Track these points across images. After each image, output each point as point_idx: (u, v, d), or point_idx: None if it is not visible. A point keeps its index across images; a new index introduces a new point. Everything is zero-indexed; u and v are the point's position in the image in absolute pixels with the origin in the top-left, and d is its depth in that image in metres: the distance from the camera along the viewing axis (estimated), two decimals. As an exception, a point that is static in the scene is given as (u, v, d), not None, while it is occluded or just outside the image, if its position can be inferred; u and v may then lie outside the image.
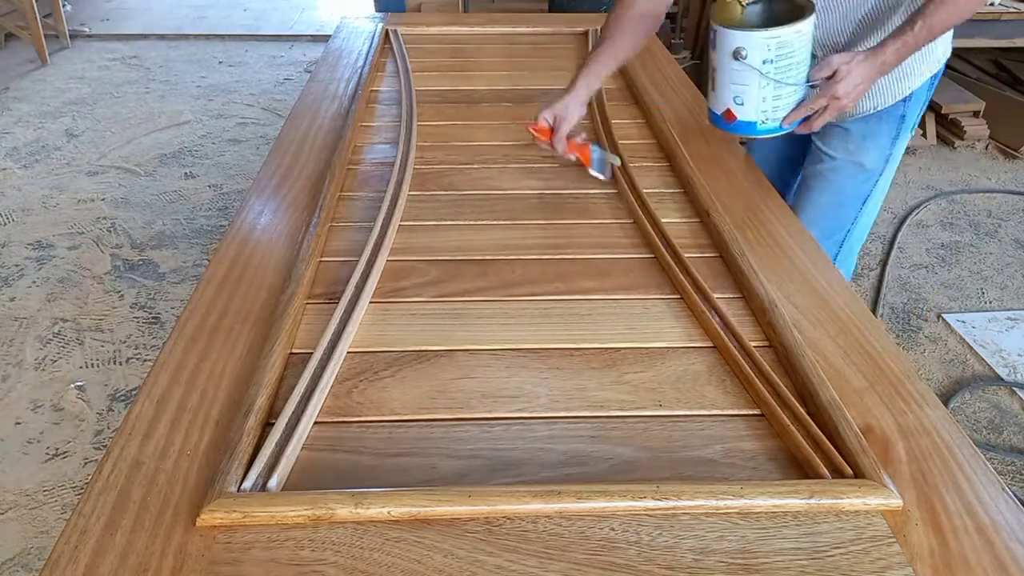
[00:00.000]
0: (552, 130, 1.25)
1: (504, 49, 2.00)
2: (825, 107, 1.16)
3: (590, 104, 1.60)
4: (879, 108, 1.34)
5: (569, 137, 1.25)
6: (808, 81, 1.17)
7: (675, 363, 0.87)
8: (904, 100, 1.34)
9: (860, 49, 1.15)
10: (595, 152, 1.28)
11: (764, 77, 1.14)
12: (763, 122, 1.20)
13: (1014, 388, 1.98)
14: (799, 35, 1.12)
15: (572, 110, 1.25)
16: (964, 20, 1.16)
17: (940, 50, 1.33)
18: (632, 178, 1.25)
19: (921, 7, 1.11)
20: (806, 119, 1.20)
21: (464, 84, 1.74)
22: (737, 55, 1.13)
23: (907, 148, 3.32)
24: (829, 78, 1.13)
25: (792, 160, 1.57)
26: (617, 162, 1.29)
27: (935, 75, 1.36)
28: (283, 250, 1.06)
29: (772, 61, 1.12)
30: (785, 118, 1.19)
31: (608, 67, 1.31)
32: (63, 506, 1.63)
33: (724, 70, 1.18)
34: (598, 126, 1.48)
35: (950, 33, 1.29)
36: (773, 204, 1.20)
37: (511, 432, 0.77)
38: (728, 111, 1.22)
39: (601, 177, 1.28)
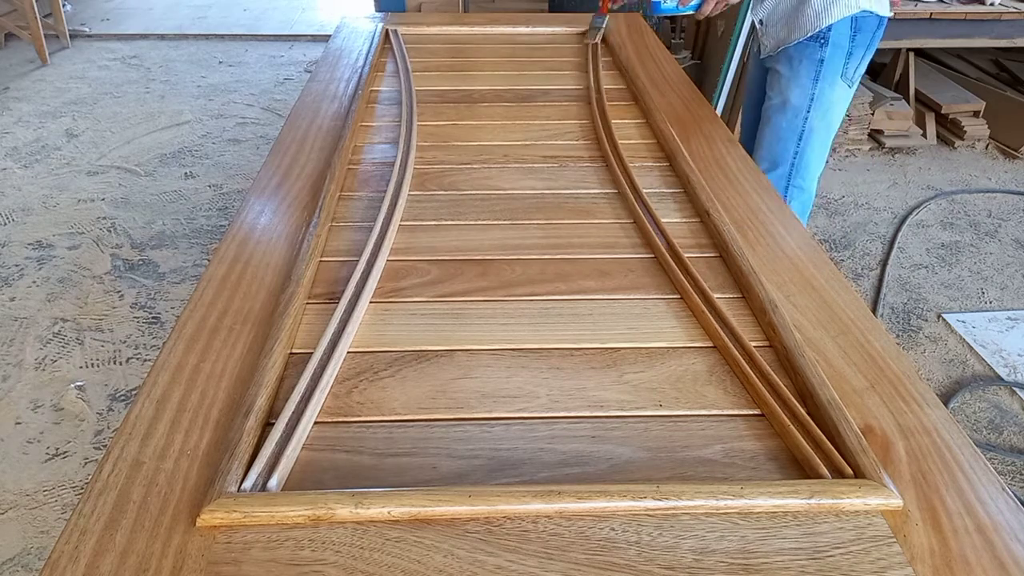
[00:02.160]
0: None
1: (504, 49, 2.00)
2: None
3: (590, 104, 1.60)
4: (795, 40, 1.60)
5: None
6: None
7: (675, 363, 0.87)
8: (821, 41, 1.58)
9: None
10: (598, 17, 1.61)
11: None
12: (664, 1, 1.47)
13: (1014, 388, 1.98)
14: None
15: None
16: None
17: None
18: (632, 178, 1.25)
19: None
20: (699, 6, 1.47)
21: (464, 84, 1.74)
22: None
23: (907, 148, 3.33)
24: None
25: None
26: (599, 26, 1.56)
27: (858, 21, 1.57)
28: (283, 250, 1.06)
29: None
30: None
31: None
32: (63, 506, 1.63)
33: None
34: (598, 126, 1.48)
35: None
36: (773, 204, 1.20)
37: (511, 432, 0.77)
38: None
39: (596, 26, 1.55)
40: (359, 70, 1.75)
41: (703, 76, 3.48)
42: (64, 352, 2.09)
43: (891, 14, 1.60)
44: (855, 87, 1.70)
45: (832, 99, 1.67)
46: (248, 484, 0.68)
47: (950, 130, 3.43)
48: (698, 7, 1.47)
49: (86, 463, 1.74)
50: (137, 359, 2.07)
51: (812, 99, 1.64)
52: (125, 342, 2.13)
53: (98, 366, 2.04)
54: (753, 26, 1.78)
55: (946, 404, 1.91)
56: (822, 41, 1.58)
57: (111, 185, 3.02)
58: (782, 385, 0.80)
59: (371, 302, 0.97)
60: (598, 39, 1.59)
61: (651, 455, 0.75)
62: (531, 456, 0.74)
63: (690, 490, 0.67)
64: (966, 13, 3.04)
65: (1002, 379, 2.01)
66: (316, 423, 0.77)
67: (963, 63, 3.71)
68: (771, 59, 1.76)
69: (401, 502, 0.65)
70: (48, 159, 3.23)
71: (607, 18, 1.59)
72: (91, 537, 0.63)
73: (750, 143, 1.98)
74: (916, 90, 3.48)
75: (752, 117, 1.98)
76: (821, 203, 2.95)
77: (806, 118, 1.66)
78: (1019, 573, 0.62)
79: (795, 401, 0.78)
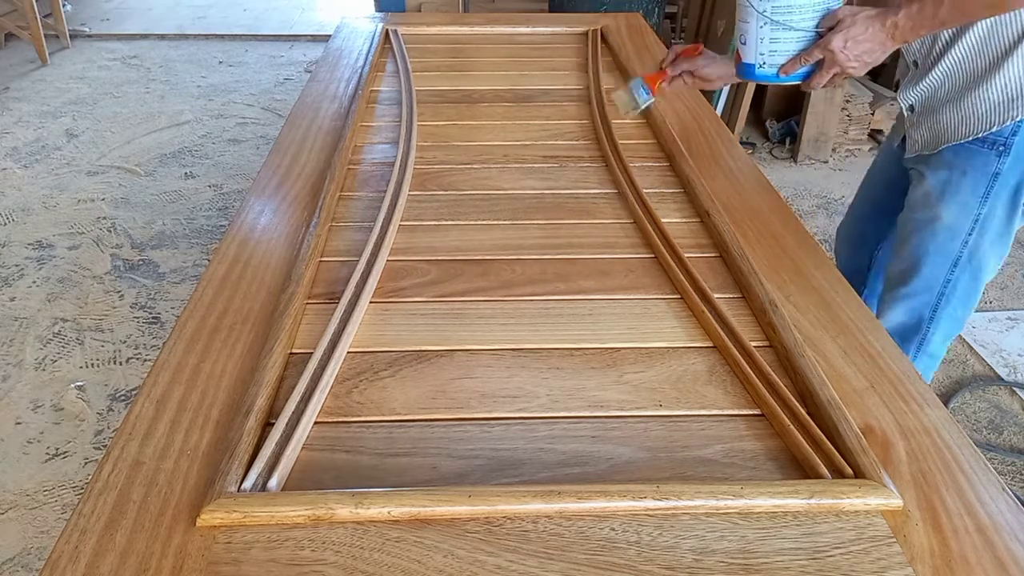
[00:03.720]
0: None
1: (504, 49, 2.00)
2: (821, 62, 1.07)
3: (590, 104, 1.60)
4: (951, 142, 1.19)
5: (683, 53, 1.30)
6: (816, 30, 1.08)
7: (675, 363, 0.87)
8: (1000, 149, 1.15)
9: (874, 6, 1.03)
10: (636, 81, 1.32)
11: (761, 16, 1.10)
12: (761, 66, 1.15)
13: (1014, 388, 1.98)
14: None
15: (708, 58, 1.29)
16: (1004, 10, 1.02)
17: None
18: (632, 178, 1.25)
19: None
20: (809, 76, 1.10)
21: (464, 84, 1.74)
22: None
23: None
24: (831, 28, 1.03)
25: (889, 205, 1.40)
26: (640, 103, 1.32)
27: None
28: (283, 250, 1.06)
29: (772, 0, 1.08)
30: (782, 67, 1.11)
31: None
32: (63, 506, 1.63)
33: (737, 5, 1.15)
34: (598, 126, 1.48)
35: None
36: (773, 204, 1.20)
37: (511, 432, 0.77)
38: (737, 52, 1.20)
39: (638, 99, 1.31)
40: (359, 70, 1.75)
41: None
42: (64, 352, 2.09)
43: None
44: None
45: (1003, 227, 1.21)
46: (248, 484, 0.68)
47: (950, 130, 3.43)
48: (806, 77, 1.12)
49: (86, 463, 1.74)
50: (137, 359, 2.07)
51: (977, 223, 1.20)
52: (125, 342, 2.13)
53: (98, 366, 2.04)
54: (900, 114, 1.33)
55: (946, 404, 1.91)
56: (1001, 148, 1.15)
57: (111, 185, 3.02)
58: (782, 385, 0.80)
59: (371, 302, 0.97)
60: (632, 114, 1.36)
61: (651, 455, 0.75)
62: (531, 456, 0.74)
63: (690, 490, 0.67)
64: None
65: (1002, 379, 2.01)
66: (316, 423, 0.77)
67: (963, 63, 3.70)
68: (918, 160, 1.28)
69: (401, 502, 0.65)
70: (48, 159, 3.23)
71: (652, 99, 1.32)
72: (91, 537, 0.63)
73: (853, 262, 1.54)
74: (916, 90, 3.47)
75: (860, 231, 1.53)
76: (821, 203, 2.95)
77: (966, 243, 1.22)
78: (1019, 573, 0.61)
79: (795, 401, 0.78)
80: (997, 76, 1.13)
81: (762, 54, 1.14)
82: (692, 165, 1.29)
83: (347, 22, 2.14)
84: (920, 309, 1.31)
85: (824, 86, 1.11)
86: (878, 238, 1.50)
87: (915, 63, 1.25)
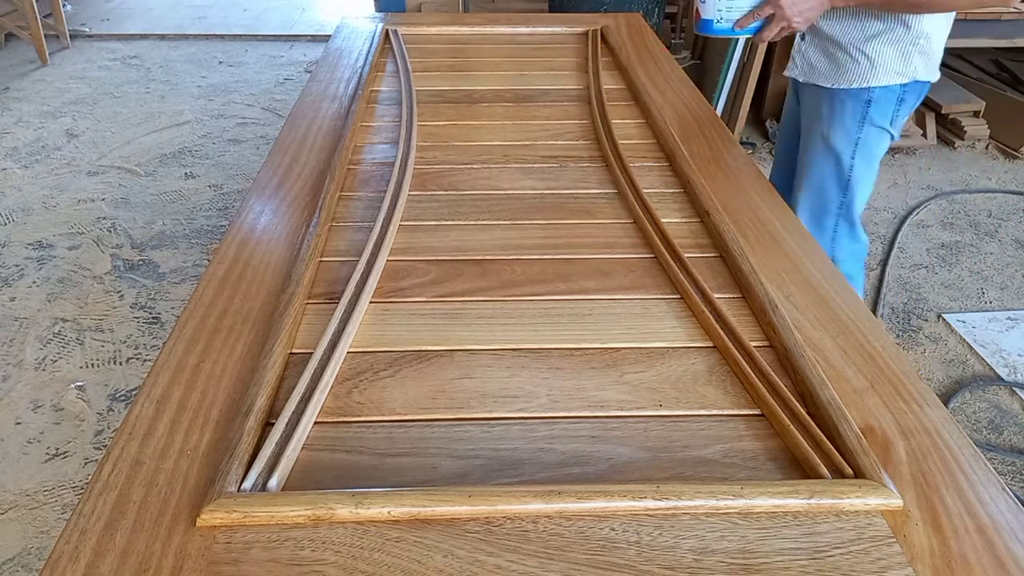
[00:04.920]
0: None
1: (504, 49, 2.00)
2: (772, 16, 1.31)
3: (590, 104, 1.60)
4: (840, 86, 1.49)
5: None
6: None
7: (675, 363, 0.87)
8: (868, 89, 1.47)
9: None
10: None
11: None
12: (718, 21, 1.34)
13: (1014, 388, 1.98)
14: None
15: None
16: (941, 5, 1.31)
17: (914, 65, 1.45)
18: (632, 178, 1.25)
19: None
20: (760, 30, 1.34)
21: (464, 84, 1.74)
22: None
23: (908, 148, 3.33)
24: None
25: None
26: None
27: (907, 87, 1.47)
28: (283, 250, 1.06)
29: None
30: (737, 22, 1.33)
31: None
32: (63, 506, 1.63)
33: None
34: (598, 126, 1.48)
35: (935, 55, 1.46)
36: (773, 204, 1.20)
37: (511, 432, 0.77)
38: (696, 9, 1.37)
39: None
40: (359, 70, 1.75)
41: (703, 76, 3.48)
42: (64, 352, 2.09)
43: (938, 77, 1.51)
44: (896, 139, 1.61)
45: (874, 149, 1.56)
46: (248, 484, 0.68)
47: (950, 130, 3.43)
48: (758, 31, 1.33)
49: (86, 463, 1.74)
50: (137, 359, 2.07)
51: (856, 144, 1.52)
52: (125, 342, 2.13)
53: (98, 366, 2.04)
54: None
55: (946, 404, 1.91)
56: (869, 88, 1.49)
57: (111, 185, 3.02)
58: (782, 385, 0.80)
59: (371, 302, 0.97)
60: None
61: (651, 455, 0.75)
62: (531, 456, 0.74)
63: (690, 490, 0.67)
64: (966, 13, 3.04)
65: (1002, 379, 2.01)
66: (316, 423, 0.77)
67: (963, 63, 3.71)
68: (809, 91, 1.61)
69: (401, 502, 0.65)
70: (48, 159, 3.24)
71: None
72: (91, 537, 0.63)
73: (785, 179, 1.80)
74: (916, 90, 3.47)
75: (787, 147, 1.83)
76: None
77: (852, 166, 1.54)
78: (1019, 573, 0.61)
79: (795, 401, 0.78)
80: (866, 45, 1.44)
81: (720, 10, 1.32)
82: (692, 165, 1.29)
83: (347, 22, 2.14)
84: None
85: (772, 39, 1.36)
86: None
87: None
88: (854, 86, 1.48)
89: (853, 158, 1.53)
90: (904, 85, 1.48)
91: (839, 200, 1.59)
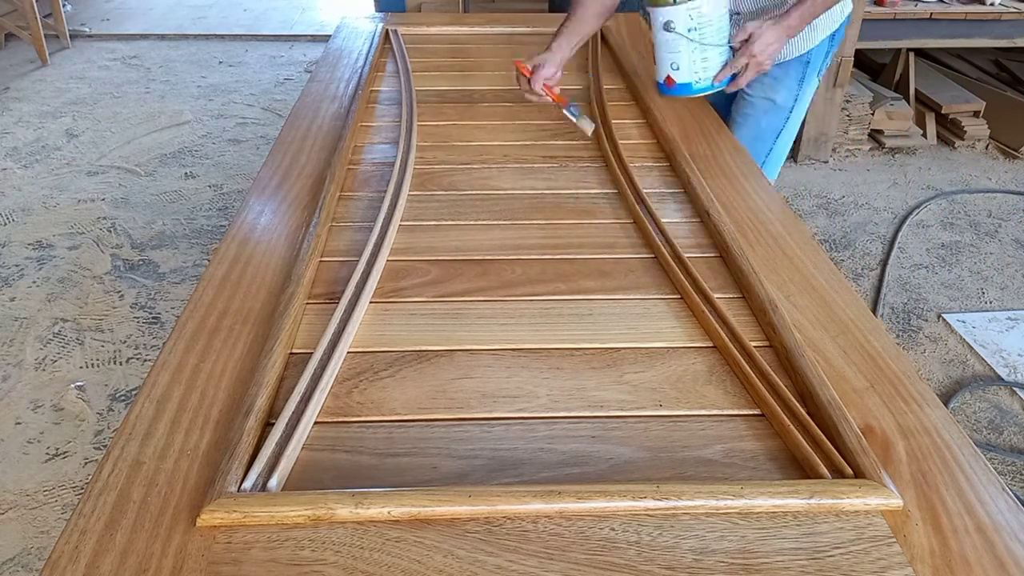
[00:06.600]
0: (532, 72, 1.46)
1: (504, 49, 2.00)
2: (746, 65, 1.41)
3: (590, 104, 1.60)
4: (787, 58, 1.58)
5: (547, 85, 1.45)
6: (729, 44, 1.42)
7: (675, 363, 0.87)
8: (807, 52, 1.58)
9: (770, 16, 1.40)
10: (572, 105, 1.45)
11: (691, 43, 1.39)
12: (697, 82, 1.45)
13: (1014, 388, 1.98)
14: (713, 4, 1.37)
15: (549, 65, 1.46)
16: None
17: (838, 11, 1.56)
18: (632, 178, 1.25)
19: None
20: (734, 77, 1.44)
21: (464, 84, 1.74)
22: (667, 27, 1.39)
23: (907, 148, 3.33)
24: (746, 41, 1.39)
25: (727, 107, 1.81)
26: (590, 128, 1.42)
27: (835, 32, 1.60)
28: (283, 250, 1.06)
29: (696, 28, 1.38)
30: (715, 76, 1.44)
31: (573, 42, 1.53)
32: (63, 506, 1.63)
33: (660, 43, 1.44)
34: (598, 126, 1.48)
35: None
36: (774, 204, 1.20)
37: (511, 432, 0.77)
38: (668, 77, 1.47)
39: (572, 118, 1.42)
40: (359, 70, 1.75)
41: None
42: (64, 352, 2.09)
43: (851, 5, 1.62)
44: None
45: (809, 96, 1.69)
46: (248, 484, 0.68)
47: (950, 130, 3.43)
48: (733, 79, 1.44)
49: (86, 463, 1.74)
50: (137, 359, 2.07)
51: (796, 98, 1.63)
52: (125, 342, 2.13)
53: (98, 366, 2.04)
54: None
55: (946, 404, 1.91)
56: (807, 59, 1.59)
57: (111, 185, 3.02)
58: (782, 385, 0.80)
59: (371, 302, 0.97)
60: (590, 128, 1.43)
61: (651, 455, 0.75)
62: (531, 456, 0.74)
63: (690, 490, 0.67)
64: (966, 13, 3.04)
65: (1002, 379, 2.01)
66: (316, 423, 0.77)
67: (963, 63, 3.70)
68: None
69: (401, 502, 0.65)
70: (48, 159, 3.23)
71: (578, 108, 1.44)
72: (91, 537, 0.63)
73: None
74: (916, 90, 3.48)
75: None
76: (821, 203, 2.95)
77: (788, 117, 1.65)
78: (1019, 573, 0.61)
79: (795, 401, 0.78)
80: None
81: (696, 72, 1.44)
82: (692, 165, 1.29)
83: (347, 22, 2.14)
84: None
85: (744, 84, 1.47)
86: None
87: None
88: (795, 56, 1.57)
89: (791, 111, 1.65)
90: (832, 34, 1.58)
91: (769, 148, 1.70)
